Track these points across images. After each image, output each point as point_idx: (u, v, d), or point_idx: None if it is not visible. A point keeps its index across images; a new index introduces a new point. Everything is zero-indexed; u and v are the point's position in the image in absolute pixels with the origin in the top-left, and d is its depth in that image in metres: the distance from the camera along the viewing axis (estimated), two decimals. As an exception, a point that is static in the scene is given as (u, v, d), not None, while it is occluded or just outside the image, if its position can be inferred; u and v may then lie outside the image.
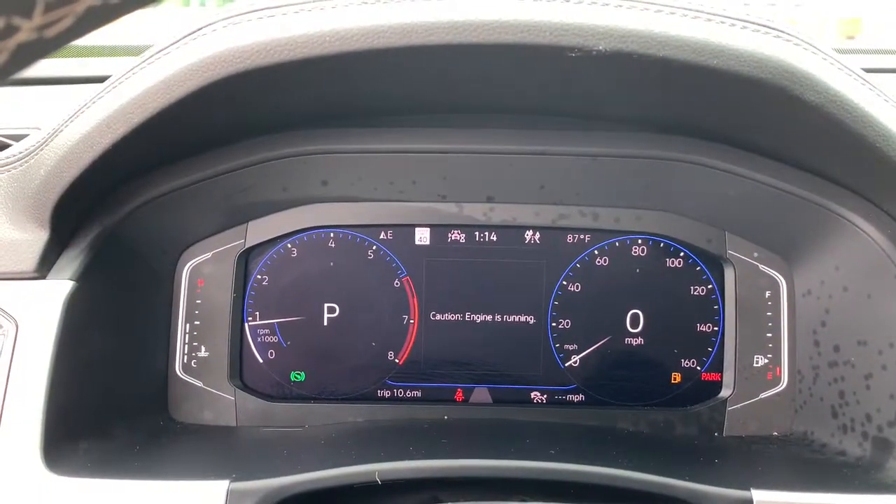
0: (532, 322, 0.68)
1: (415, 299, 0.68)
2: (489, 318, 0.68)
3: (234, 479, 0.50)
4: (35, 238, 0.56)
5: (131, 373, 0.65)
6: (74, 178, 0.53)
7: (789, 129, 0.55)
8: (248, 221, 0.69)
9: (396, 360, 0.68)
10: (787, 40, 0.49)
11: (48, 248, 0.56)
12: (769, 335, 0.67)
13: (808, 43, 0.48)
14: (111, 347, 0.61)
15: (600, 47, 0.46)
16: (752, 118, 0.55)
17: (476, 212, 0.68)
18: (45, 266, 0.56)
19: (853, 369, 0.63)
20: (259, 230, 0.68)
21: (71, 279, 0.56)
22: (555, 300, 0.68)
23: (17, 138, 0.75)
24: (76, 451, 0.53)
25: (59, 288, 0.55)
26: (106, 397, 0.60)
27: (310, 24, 0.48)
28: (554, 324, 0.68)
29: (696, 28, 0.47)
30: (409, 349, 0.69)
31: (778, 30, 0.49)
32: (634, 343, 0.68)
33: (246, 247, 0.68)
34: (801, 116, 0.51)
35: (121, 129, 0.52)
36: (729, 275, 0.67)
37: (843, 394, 0.63)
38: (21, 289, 0.56)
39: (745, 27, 0.49)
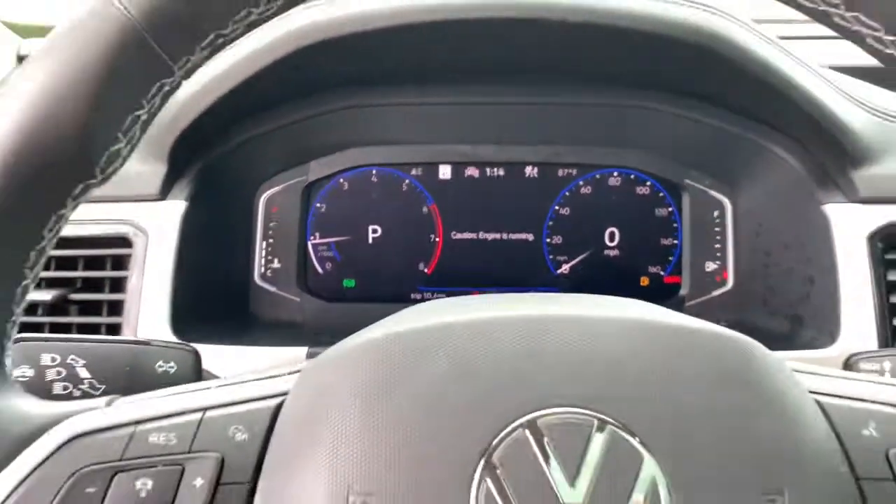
0: (531, 239, 0.82)
1: (439, 221, 0.83)
2: (498, 236, 0.83)
3: (309, 346, 0.68)
4: (157, 169, 0.71)
5: (224, 278, 0.79)
6: (191, 122, 0.70)
7: (723, 81, 0.70)
8: (310, 161, 0.82)
9: (425, 271, 0.83)
10: (713, 13, 0.66)
11: (167, 177, 0.72)
12: (717, 246, 0.81)
13: (727, 14, 0.65)
14: (211, 256, 0.75)
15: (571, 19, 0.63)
16: (694, 74, 0.72)
17: (487, 152, 0.83)
18: (165, 190, 0.71)
19: (779, 268, 0.76)
20: (319, 168, 0.83)
21: (185, 200, 0.71)
22: (549, 221, 0.82)
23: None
24: (193, 327, 0.70)
25: (176, 206, 0.70)
26: (209, 293, 0.74)
27: None
28: (548, 240, 0.82)
29: (650, 6, 0.65)
30: (435, 261, 0.83)
31: (705, 5, 0.66)
32: (611, 254, 0.83)
33: (308, 181, 0.82)
34: (726, 70, 0.67)
35: (240, 76, 0.66)
36: (685, 199, 0.82)
37: (772, 288, 0.77)
38: (148, 208, 0.70)
39: (682, 4, 0.66)
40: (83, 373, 0.48)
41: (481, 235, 0.84)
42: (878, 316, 0.66)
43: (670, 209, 0.83)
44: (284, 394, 0.37)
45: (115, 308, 0.69)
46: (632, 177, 0.83)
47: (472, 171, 0.84)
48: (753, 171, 0.78)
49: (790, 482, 0.33)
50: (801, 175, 0.73)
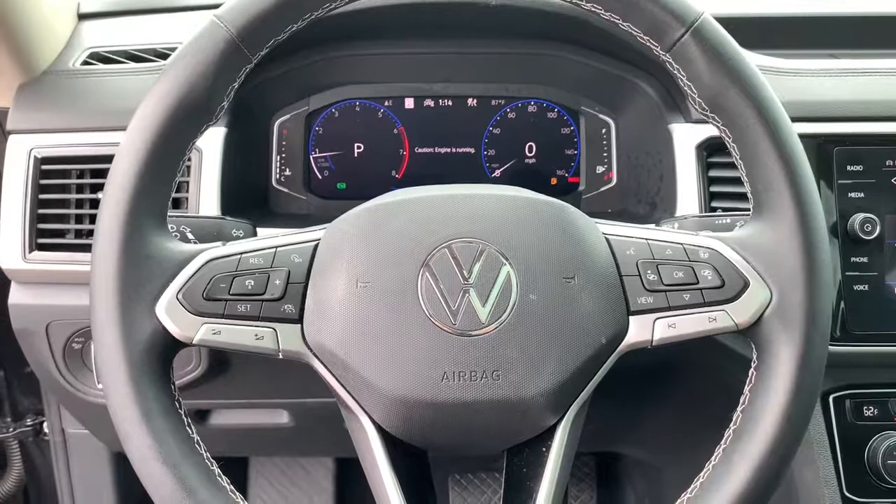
0: (472, 152, 1.03)
1: (405, 140, 1.02)
2: (449, 150, 1.03)
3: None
4: None
5: (252, 183, 0.97)
6: None
7: (593, 35, 0.90)
8: (310, 96, 1.00)
9: (396, 176, 1.03)
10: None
11: None
12: (605, 154, 1.03)
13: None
14: (242, 167, 0.92)
15: (493, 3, 0.90)
16: (573, 31, 0.92)
17: (439, 88, 1.01)
18: None
19: (643, 169, 0.97)
20: (317, 101, 1.00)
21: (224, 127, 0.86)
22: (485, 139, 1.03)
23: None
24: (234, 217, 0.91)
25: (219, 131, 0.87)
26: (242, 194, 0.90)
27: None
28: (485, 152, 1.03)
29: None
30: (403, 169, 1.03)
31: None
32: (530, 162, 1.03)
33: (309, 111, 1.00)
34: (584, 26, 0.89)
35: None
36: (582, 121, 1.03)
37: (639, 183, 0.98)
38: None
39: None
40: (190, 236, 0.68)
41: (437, 150, 1.03)
42: (700, 200, 0.88)
43: (571, 128, 1.04)
44: (318, 239, 0.61)
45: (177, 204, 0.87)
46: (544, 105, 1.03)
47: (429, 102, 1.02)
48: (627, 99, 0.98)
49: (580, 270, 0.60)
50: (657, 102, 0.94)
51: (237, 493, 0.56)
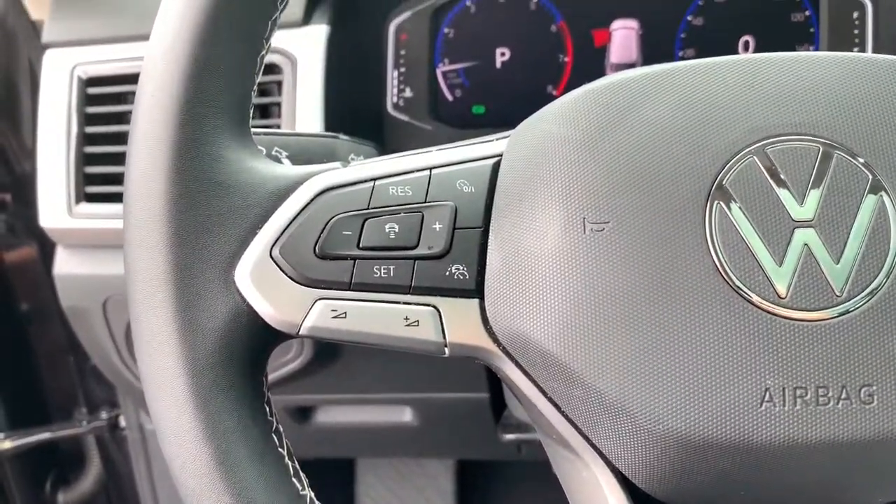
0: (663, 56, 0.84)
1: (569, 40, 0.82)
2: None
3: None
4: None
5: (363, 105, 0.82)
6: None
7: None
8: None
9: (554, 93, 0.83)
10: None
11: (309, 1, 0.75)
12: (856, 49, 0.82)
13: None
14: (351, 84, 0.78)
15: None
16: None
17: None
18: (308, 15, 0.74)
19: None
20: None
21: (327, 24, 0.73)
22: (681, 35, 0.81)
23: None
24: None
25: (320, 31, 0.73)
26: (349, 121, 0.77)
27: None
28: (680, 53, 0.82)
29: None
30: (563, 83, 0.83)
31: None
32: None
33: (436, 5, 0.82)
34: None
35: None
36: (823, 3, 0.79)
37: None
38: (293, 35, 0.73)
39: None
40: (286, 161, 0.52)
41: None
42: None
43: (807, 13, 0.80)
44: (499, 155, 0.40)
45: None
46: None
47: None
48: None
49: None
50: None
51: None
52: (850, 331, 0.33)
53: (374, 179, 0.39)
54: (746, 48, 0.81)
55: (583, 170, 0.37)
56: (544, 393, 0.38)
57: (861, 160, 0.35)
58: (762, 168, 0.35)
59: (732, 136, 0.36)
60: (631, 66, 0.82)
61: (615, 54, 0.82)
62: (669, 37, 0.81)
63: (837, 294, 0.34)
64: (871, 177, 0.35)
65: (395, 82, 0.84)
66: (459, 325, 0.38)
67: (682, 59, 0.81)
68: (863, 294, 0.34)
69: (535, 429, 0.43)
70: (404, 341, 0.38)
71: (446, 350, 0.38)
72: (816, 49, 0.80)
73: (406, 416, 0.96)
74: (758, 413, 0.33)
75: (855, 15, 0.80)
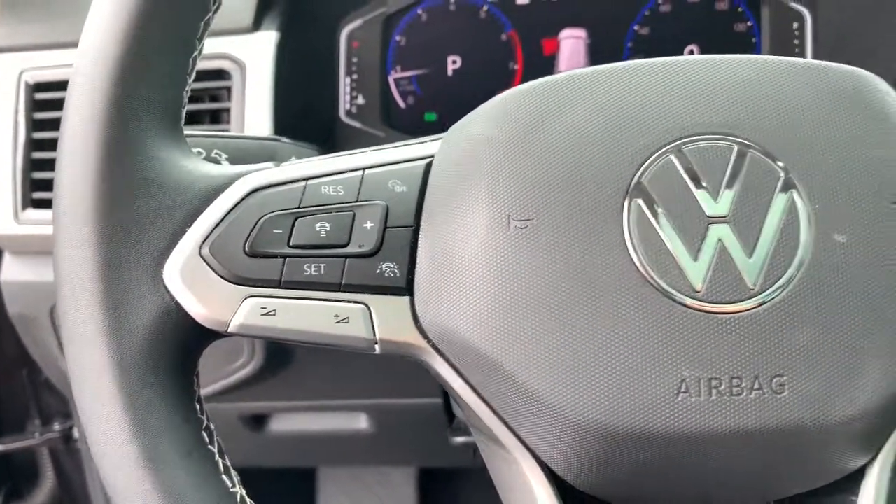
0: None
1: (518, 49, 0.82)
2: None
3: None
4: (247, 2, 0.75)
5: (314, 114, 0.82)
6: None
7: None
8: None
9: None
10: None
11: (258, 8, 0.75)
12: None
13: None
14: (301, 91, 0.78)
15: None
16: None
17: None
18: (257, 21, 0.74)
19: None
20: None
21: (276, 31, 0.73)
22: (629, 43, 0.82)
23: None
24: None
25: (269, 37, 0.72)
26: (300, 128, 0.77)
27: None
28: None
29: None
30: None
31: None
32: None
33: (388, 13, 0.82)
34: None
35: None
36: (765, 13, 0.81)
37: None
38: (242, 41, 0.73)
39: None
40: (224, 162, 0.52)
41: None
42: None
43: (749, 24, 0.83)
44: (431, 156, 0.41)
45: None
46: (708, -7, 0.82)
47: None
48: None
49: None
50: None
51: None
52: (762, 323, 0.34)
53: (307, 179, 0.40)
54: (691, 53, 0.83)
55: (507, 169, 0.37)
56: (473, 388, 0.38)
57: (775, 159, 0.36)
58: (679, 167, 0.36)
59: (650, 136, 0.37)
60: (579, 74, 0.84)
61: (564, 63, 0.83)
62: (617, 46, 0.83)
63: (751, 287, 0.35)
64: (783, 175, 0.36)
65: (348, 89, 0.84)
66: (390, 322, 0.38)
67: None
68: (774, 287, 0.35)
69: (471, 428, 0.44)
70: (334, 338, 0.38)
71: (377, 347, 0.38)
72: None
73: (362, 422, 0.95)
74: (674, 404, 0.34)
75: (795, 25, 0.82)
